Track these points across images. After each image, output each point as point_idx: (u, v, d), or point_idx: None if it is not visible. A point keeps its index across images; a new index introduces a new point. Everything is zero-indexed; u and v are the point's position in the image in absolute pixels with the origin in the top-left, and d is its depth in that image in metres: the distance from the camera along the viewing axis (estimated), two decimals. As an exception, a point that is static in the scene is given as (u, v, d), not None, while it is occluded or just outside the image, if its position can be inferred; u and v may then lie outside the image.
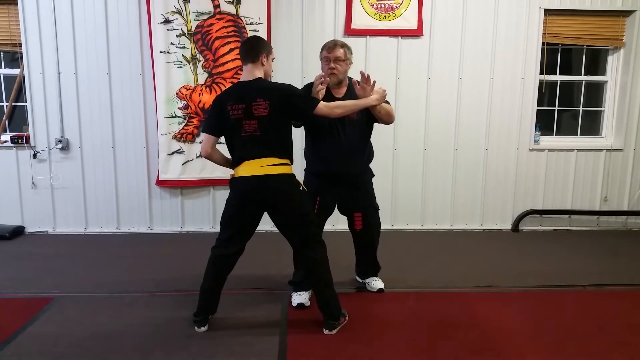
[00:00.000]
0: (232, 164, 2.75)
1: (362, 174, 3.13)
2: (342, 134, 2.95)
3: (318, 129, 2.97)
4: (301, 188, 2.80)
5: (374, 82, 2.84)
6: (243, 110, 2.61)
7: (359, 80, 2.84)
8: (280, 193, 2.66)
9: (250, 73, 2.69)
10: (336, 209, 3.20)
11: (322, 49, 3.00)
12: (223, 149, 2.79)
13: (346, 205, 3.16)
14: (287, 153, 2.72)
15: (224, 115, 2.64)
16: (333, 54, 2.92)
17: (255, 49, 2.69)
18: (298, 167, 3.01)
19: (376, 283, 3.33)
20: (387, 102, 3.01)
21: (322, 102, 2.69)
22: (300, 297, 3.09)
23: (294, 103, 2.66)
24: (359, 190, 3.11)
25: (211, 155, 2.74)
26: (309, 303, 3.09)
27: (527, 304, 3.17)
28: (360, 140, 3.05)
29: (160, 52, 4.46)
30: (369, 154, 3.17)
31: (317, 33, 4.45)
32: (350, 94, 2.95)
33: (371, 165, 3.23)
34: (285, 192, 2.67)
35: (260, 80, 2.68)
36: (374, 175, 3.23)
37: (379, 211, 3.27)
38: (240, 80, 2.73)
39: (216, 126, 2.71)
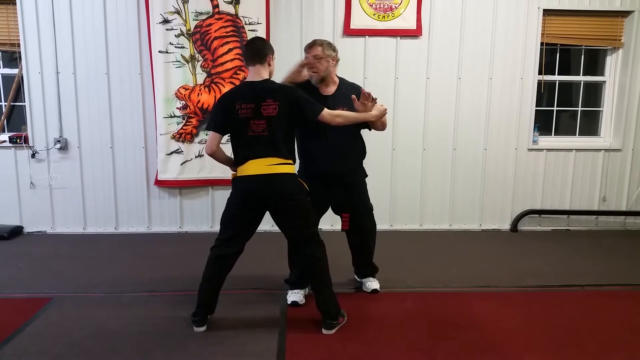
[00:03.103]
0: (235, 163, 2.76)
1: (353, 173, 3.11)
2: (329, 133, 2.93)
3: (306, 129, 2.97)
4: (303, 188, 2.80)
5: (375, 99, 2.88)
6: (252, 109, 2.62)
7: (360, 97, 2.87)
8: (283, 193, 2.67)
9: (258, 74, 2.71)
10: (330, 210, 3.21)
11: (304, 51, 3.03)
12: (224, 148, 2.80)
13: (338, 205, 3.15)
14: (291, 153, 2.74)
15: (232, 113, 2.65)
16: (311, 53, 2.96)
17: (262, 50, 2.72)
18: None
19: (371, 284, 3.33)
20: None
21: (325, 110, 2.73)
22: (295, 295, 3.10)
23: (301, 107, 2.69)
24: (351, 190, 3.10)
25: (216, 153, 2.74)
26: (303, 301, 3.10)
27: (526, 304, 3.17)
28: (349, 139, 3.04)
29: (159, 52, 4.45)
30: (360, 151, 3.16)
31: (316, 33, 4.43)
32: (340, 93, 2.96)
33: (370, 165, 3.23)
34: (287, 192, 2.67)
35: (268, 81, 2.71)
36: (367, 175, 3.22)
37: (373, 211, 3.25)
38: (248, 80, 2.74)
39: (223, 124, 2.70)
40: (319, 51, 2.95)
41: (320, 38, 3.11)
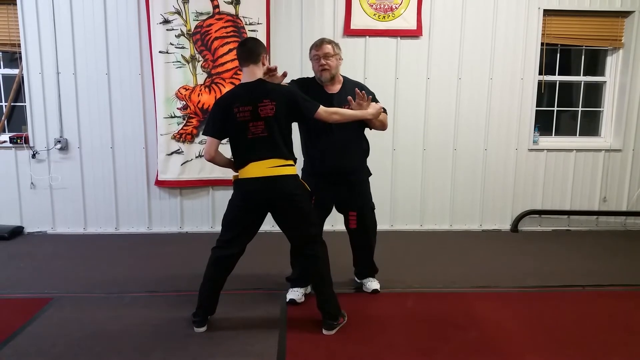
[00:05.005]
0: (236, 165, 2.75)
1: (358, 171, 3.14)
2: (335, 130, 2.96)
3: (311, 126, 2.99)
4: (305, 188, 2.80)
5: (370, 98, 2.91)
6: (250, 112, 2.62)
7: (355, 97, 2.88)
8: (286, 194, 2.67)
9: (252, 74, 2.70)
10: (334, 208, 3.21)
11: (311, 49, 3.04)
12: (223, 150, 2.80)
13: (342, 204, 3.17)
14: (291, 153, 2.75)
15: (230, 117, 2.64)
16: (322, 51, 2.96)
17: (256, 50, 2.71)
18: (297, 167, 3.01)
19: (371, 284, 3.33)
20: (384, 111, 3.08)
21: (321, 107, 2.73)
22: (293, 293, 3.12)
23: (298, 105, 2.68)
24: (355, 189, 3.12)
25: (215, 158, 2.74)
26: (302, 299, 3.11)
27: (526, 304, 3.17)
28: (353, 136, 3.07)
29: (160, 52, 4.46)
30: (364, 149, 3.18)
31: (316, 33, 4.43)
32: (345, 92, 2.97)
33: (370, 165, 3.24)
34: (290, 193, 2.68)
35: (263, 82, 2.71)
36: (370, 174, 3.24)
37: (375, 210, 3.26)
38: (242, 82, 2.73)
39: (221, 129, 2.69)
40: (329, 49, 2.97)
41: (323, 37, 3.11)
